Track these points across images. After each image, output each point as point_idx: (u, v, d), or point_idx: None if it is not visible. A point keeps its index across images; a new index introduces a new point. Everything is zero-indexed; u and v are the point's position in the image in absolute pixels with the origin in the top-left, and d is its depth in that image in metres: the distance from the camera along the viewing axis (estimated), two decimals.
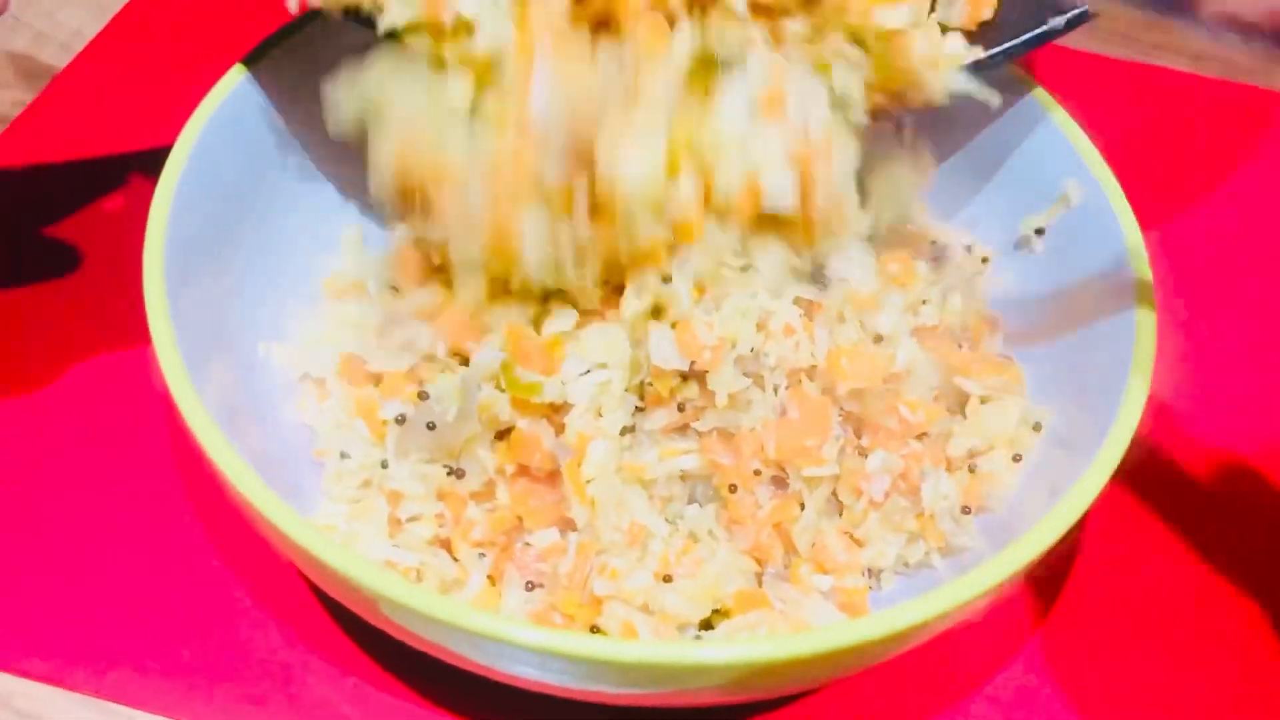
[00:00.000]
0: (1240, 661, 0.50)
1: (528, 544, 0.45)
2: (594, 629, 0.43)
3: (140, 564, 0.49)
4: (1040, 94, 0.53)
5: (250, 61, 0.50)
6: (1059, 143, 0.52)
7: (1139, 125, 0.72)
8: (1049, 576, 0.51)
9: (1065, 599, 0.51)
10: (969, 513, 0.46)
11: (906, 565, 0.47)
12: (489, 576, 0.45)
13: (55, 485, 0.51)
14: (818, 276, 0.48)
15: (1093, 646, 0.49)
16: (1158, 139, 0.71)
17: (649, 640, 0.42)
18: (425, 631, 0.38)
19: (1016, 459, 0.48)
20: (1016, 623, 0.50)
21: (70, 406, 0.54)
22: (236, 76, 0.50)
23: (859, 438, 0.47)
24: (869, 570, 0.46)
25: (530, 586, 0.44)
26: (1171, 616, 0.51)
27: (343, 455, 0.47)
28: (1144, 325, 0.45)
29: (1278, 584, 0.52)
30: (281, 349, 0.50)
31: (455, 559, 0.46)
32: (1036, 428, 0.48)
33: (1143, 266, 0.47)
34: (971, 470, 0.47)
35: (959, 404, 0.50)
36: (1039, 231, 0.53)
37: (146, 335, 0.42)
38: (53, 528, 0.50)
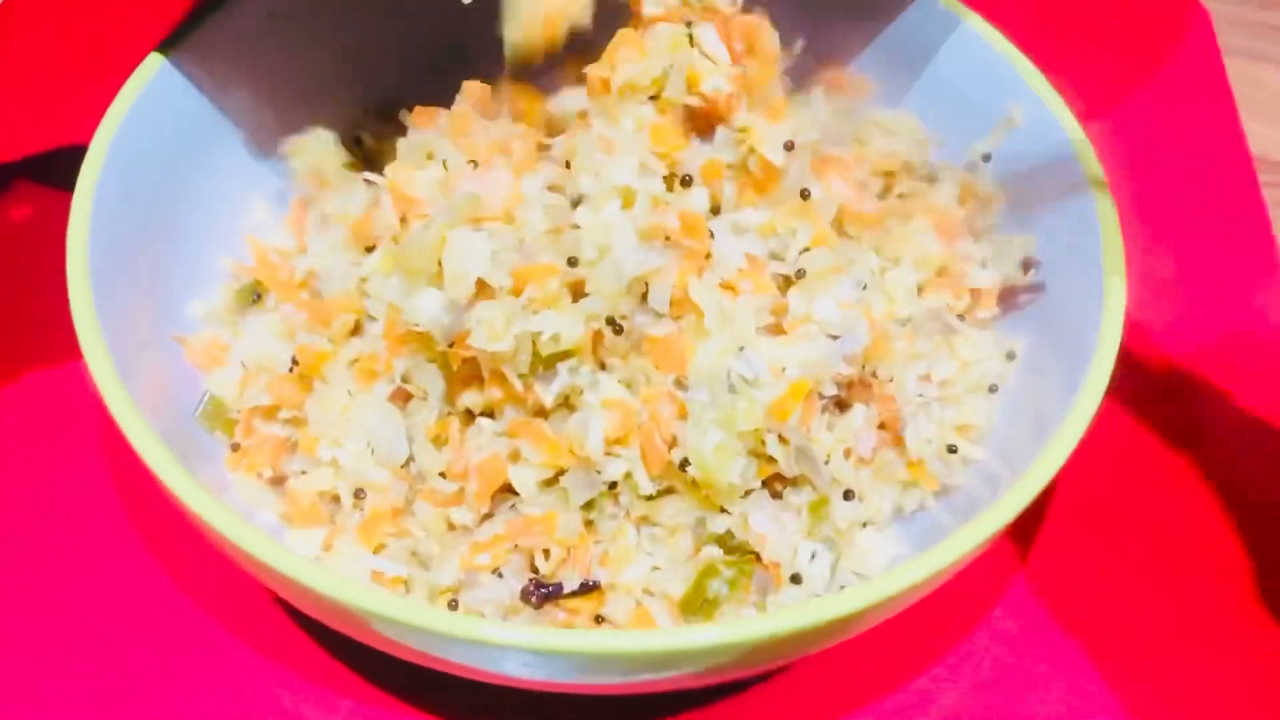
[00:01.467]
0: (1220, 590, 0.50)
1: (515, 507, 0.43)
2: (599, 619, 0.41)
3: (104, 612, 0.46)
4: (977, 21, 0.52)
5: (163, 50, 0.47)
6: (996, 64, 0.51)
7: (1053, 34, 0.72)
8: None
9: (1045, 534, 0.51)
10: (955, 451, 0.45)
11: (901, 511, 0.46)
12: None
13: None
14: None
15: (1075, 584, 0.49)
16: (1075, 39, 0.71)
17: (667, 629, 0.41)
18: (428, 646, 0.36)
19: (993, 390, 0.47)
20: (998, 564, 0.49)
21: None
22: (145, 75, 0.47)
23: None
24: (865, 524, 0.45)
25: (530, 596, 0.42)
26: (1152, 547, 0.51)
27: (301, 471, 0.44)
28: (1110, 249, 0.45)
29: (1256, 509, 0.52)
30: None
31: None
32: (1011, 356, 0.48)
33: (1102, 193, 0.46)
34: (951, 400, 0.47)
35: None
36: (986, 157, 0.52)
37: (73, 354, 0.39)
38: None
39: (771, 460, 0.41)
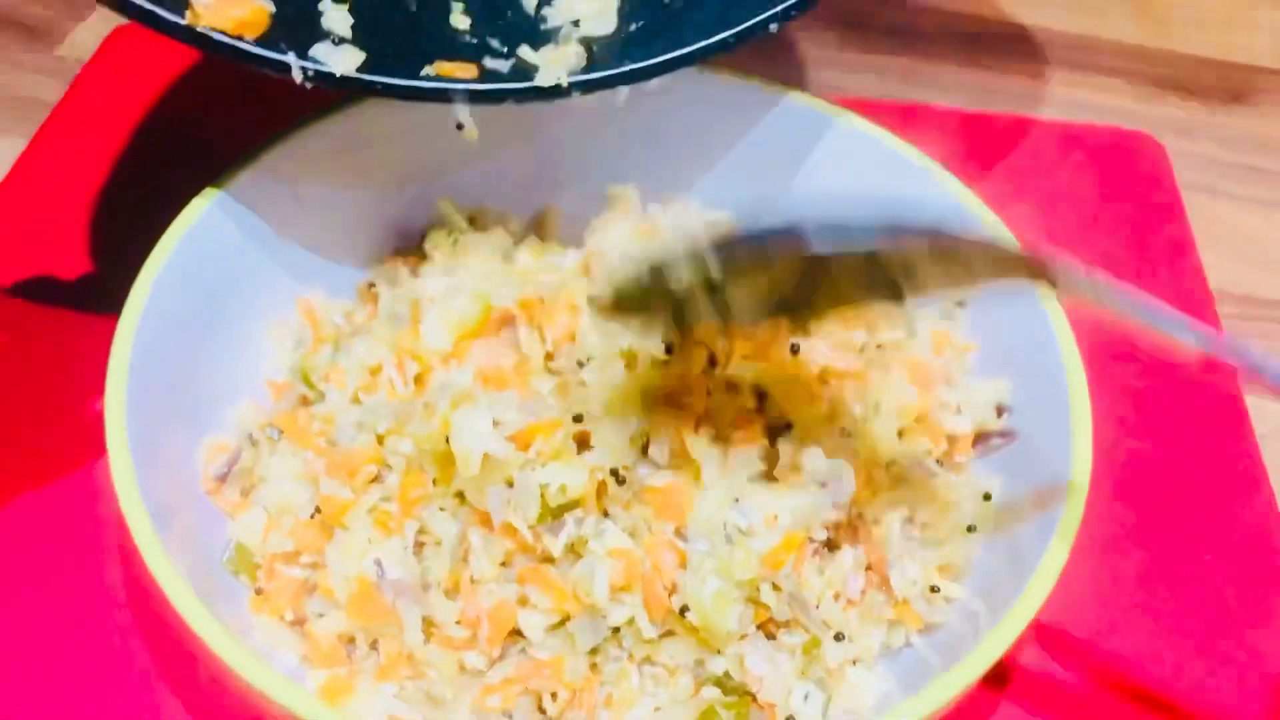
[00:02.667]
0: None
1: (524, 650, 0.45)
2: None
3: None
4: (944, 175, 0.56)
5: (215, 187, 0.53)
6: (967, 218, 0.55)
7: (1019, 171, 0.76)
8: None
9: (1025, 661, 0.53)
10: (937, 591, 0.48)
11: (889, 648, 0.48)
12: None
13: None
14: None
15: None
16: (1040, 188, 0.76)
17: None
18: None
19: (971, 530, 0.50)
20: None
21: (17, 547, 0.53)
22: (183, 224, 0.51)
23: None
24: (854, 661, 0.47)
25: None
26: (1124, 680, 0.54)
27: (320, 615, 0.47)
28: (1077, 391, 0.48)
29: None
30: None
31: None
32: (987, 497, 0.51)
33: (1069, 342, 0.50)
34: (933, 541, 0.50)
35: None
36: (961, 304, 0.56)
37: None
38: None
39: (766, 606, 0.44)
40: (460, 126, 0.52)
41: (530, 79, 0.53)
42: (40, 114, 0.73)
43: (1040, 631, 0.53)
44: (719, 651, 0.44)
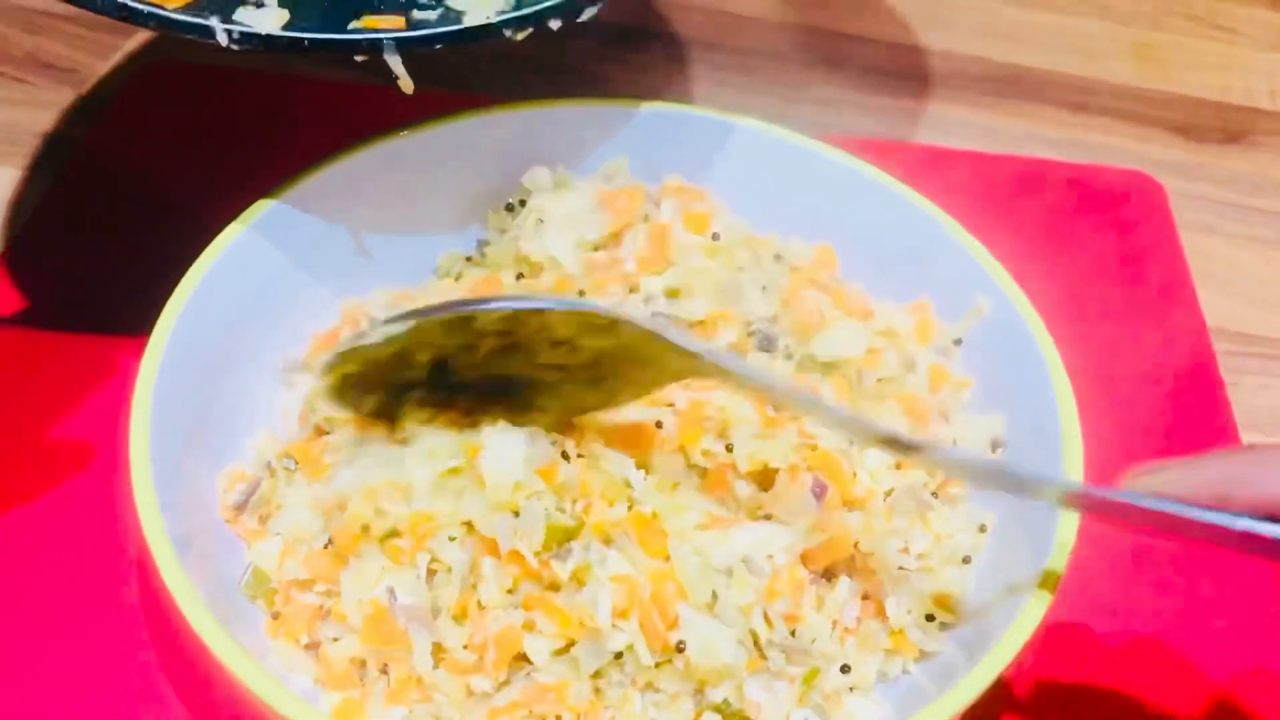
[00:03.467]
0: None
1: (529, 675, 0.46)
2: None
3: None
4: (939, 214, 0.58)
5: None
6: (964, 259, 0.57)
7: (1018, 209, 0.78)
8: None
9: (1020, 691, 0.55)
10: (933, 620, 0.49)
11: (885, 677, 0.50)
12: None
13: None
14: None
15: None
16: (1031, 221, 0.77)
17: None
18: None
19: (966, 561, 0.52)
20: None
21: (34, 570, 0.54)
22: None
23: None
24: (852, 689, 0.49)
25: None
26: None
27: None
28: (1069, 429, 0.50)
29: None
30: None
31: None
32: (982, 529, 0.52)
33: (1059, 373, 0.51)
34: (928, 571, 0.51)
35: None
36: (957, 342, 0.57)
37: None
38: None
39: (762, 649, 0.46)
40: (396, 79, 0.52)
41: (459, 23, 0.53)
42: (67, 152, 0.76)
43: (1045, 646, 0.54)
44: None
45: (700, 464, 0.50)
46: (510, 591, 0.46)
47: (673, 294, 0.55)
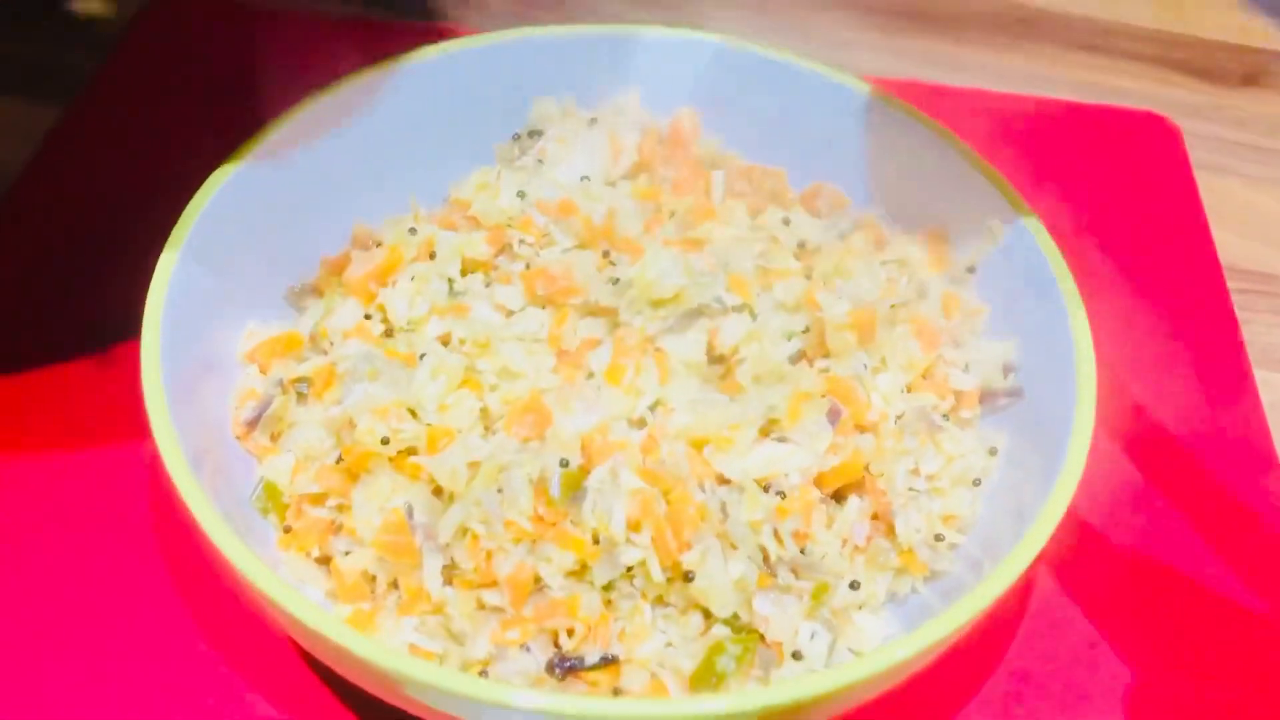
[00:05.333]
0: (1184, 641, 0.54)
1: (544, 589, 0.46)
2: (617, 691, 0.45)
3: (129, 661, 0.50)
4: (953, 140, 0.58)
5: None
6: (980, 184, 0.57)
7: (1034, 151, 0.78)
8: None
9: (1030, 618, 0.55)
10: (942, 539, 0.50)
11: (895, 596, 0.50)
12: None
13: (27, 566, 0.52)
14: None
15: (1057, 668, 0.53)
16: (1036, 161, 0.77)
17: (678, 698, 0.45)
18: (464, 712, 0.40)
19: (976, 483, 0.52)
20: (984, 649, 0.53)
21: (49, 485, 0.55)
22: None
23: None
24: (860, 606, 0.49)
25: (554, 669, 0.46)
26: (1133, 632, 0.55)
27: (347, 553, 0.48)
28: (1083, 352, 0.50)
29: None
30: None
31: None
32: (992, 452, 0.52)
33: (1075, 301, 0.51)
34: (938, 492, 0.51)
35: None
36: (971, 269, 0.57)
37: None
38: (27, 616, 0.51)
39: (772, 571, 0.46)
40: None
41: None
42: (76, 84, 0.75)
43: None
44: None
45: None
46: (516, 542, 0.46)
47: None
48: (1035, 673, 0.52)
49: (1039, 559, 0.44)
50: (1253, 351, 0.67)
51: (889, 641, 0.46)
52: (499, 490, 0.45)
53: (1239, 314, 0.69)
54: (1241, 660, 0.54)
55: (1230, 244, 0.74)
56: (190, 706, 0.49)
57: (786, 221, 0.56)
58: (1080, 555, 0.57)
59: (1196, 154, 0.79)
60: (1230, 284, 0.71)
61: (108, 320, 0.61)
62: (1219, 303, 0.70)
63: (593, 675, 0.45)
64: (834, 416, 0.49)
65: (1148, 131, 0.80)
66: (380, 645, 0.40)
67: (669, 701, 0.43)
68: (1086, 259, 0.58)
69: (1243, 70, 0.87)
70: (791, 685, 0.39)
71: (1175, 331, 0.68)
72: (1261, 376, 0.66)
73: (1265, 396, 0.65)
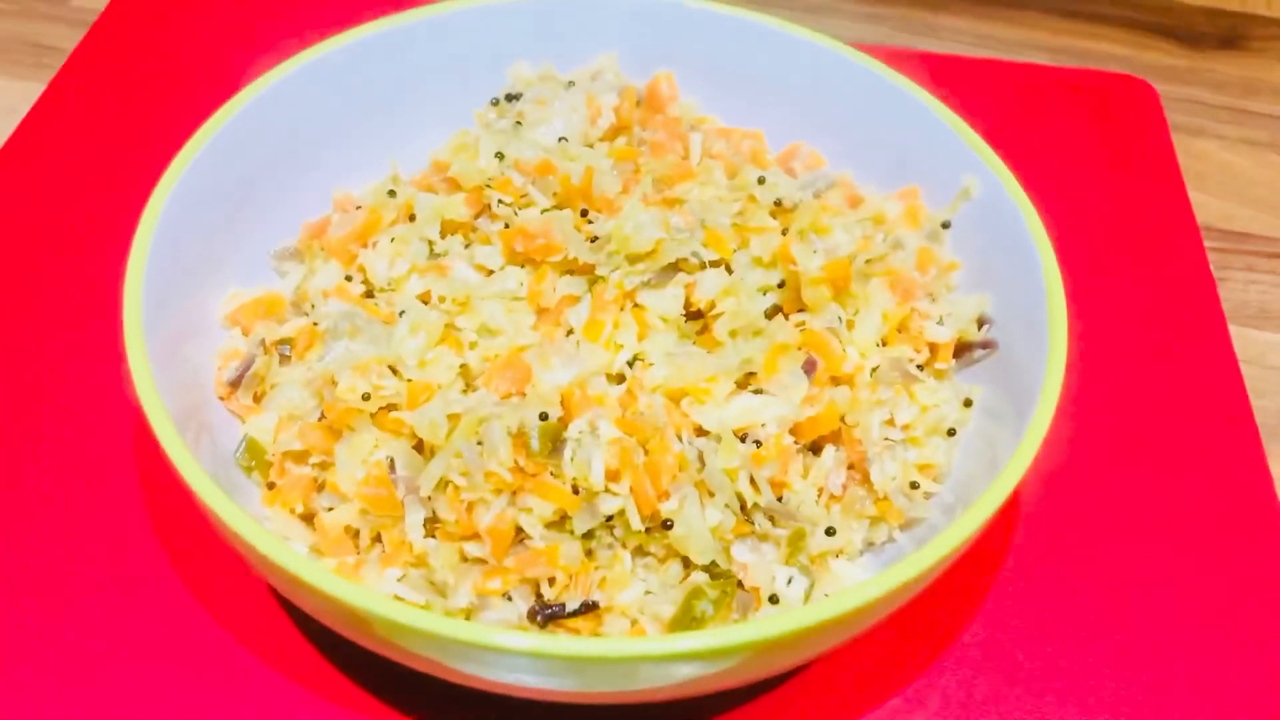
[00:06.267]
0: (1163, 596, 0.55)
1: (525, 540, 0.47)
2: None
3: (121, 620, 0.50)
4: (927, 98, 0.58)
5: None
6: (953, 142, 0.57)
7: (1012, 115, 0.78)
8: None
9: (1006, 563, 0.55)
10: (917, 487, 0.50)
11: (872, 544, 0.50)
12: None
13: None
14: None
15: (1031, 612, 0.54)
16: (1027, 127, 0.77)
17: (657, 636, 0.45)
18: (449, 656, 0.41)
19: (951, 433, 0.52)
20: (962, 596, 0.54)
21: (36, 437, 0.56)
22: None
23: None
24: (838, 553, 0.49)
25: (536, 616, 0.46)
26: (1105, 574, 0.56)
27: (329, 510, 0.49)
28: (1055, 303, 0.50)
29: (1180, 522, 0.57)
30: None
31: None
32: (967, 403, 0.53)
33: (1047, 252, 0.52)
34: (914, 442, 0.52)
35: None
36: (945, 225, 0.58)
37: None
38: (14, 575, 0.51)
39: (750, 519, 0.47)
40: None
41: None
42: (56, 60, 0.76)
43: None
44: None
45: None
46: (497, 493, 0.47)
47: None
48: (1010, 624, 0.53)
49: (1008, 504, 0.45)
50: (1228, 308, 0.68)
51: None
52: (479, 442, 0.46)
53: (1215, 272, 0.70)
54: (1212, 606, 0.55)
55: (1207, 205, 0.75)
56: (177, 661, 0.49)
57: (762, 180, 0.56)
58: (1052, 506, 0.57)
59: (1174, 116, 0.80)
60: (1207, 243, 0.72)
61: (93, 288, 0.62)
62: (1195, 261, 0.70)
63: (574, 623, 0.46)
64: (810, 369, 0.50)
65: (1126, 94, 0.81)
66: (371, 592, 0.40)
67: (647, 639, 0.43)
68: (1064, 220, 0.59)
69: (1220, 33, 0.88)
70: (768, 621, 0.39)
71: (1152, 290, 0.68)
72: (1236, 331, 0.67)
73: (1240, 351, 0.66)
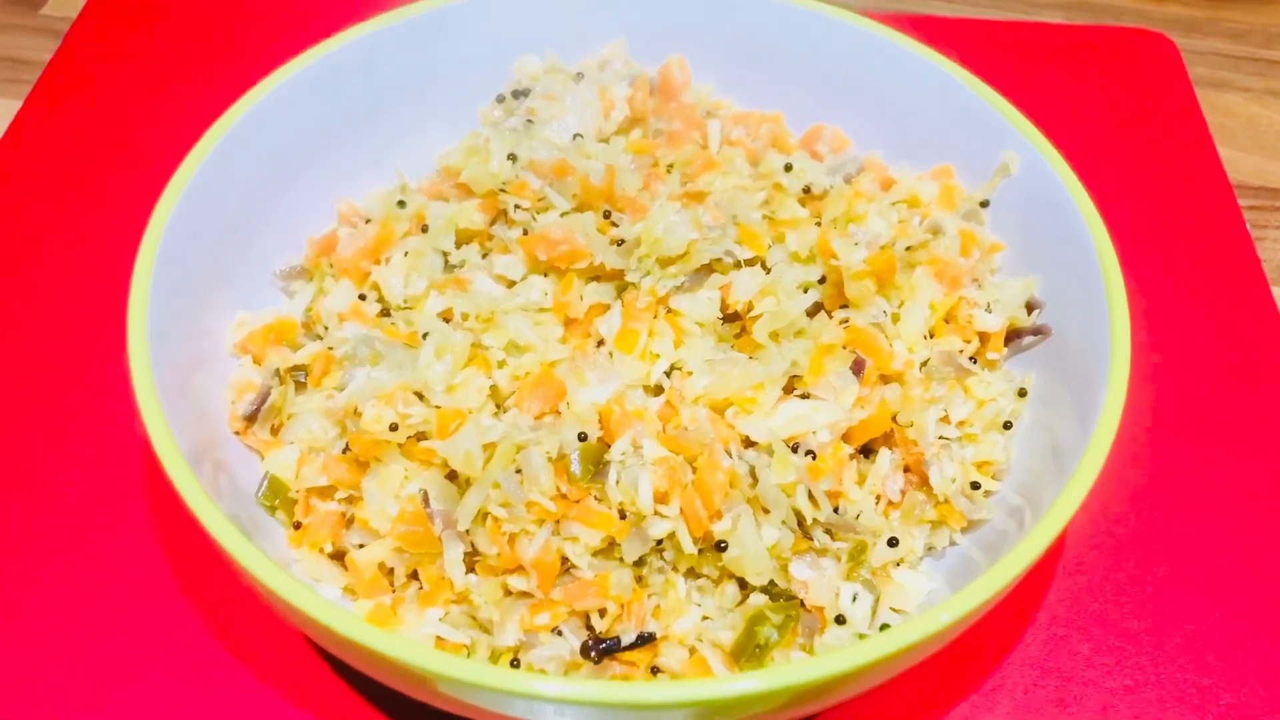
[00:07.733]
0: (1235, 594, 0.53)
1: (571, 570, 0.45)
2: (655, 670, 0.44)
3: (146, 670, 0.48)
4: (954, 68, 0.55)
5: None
6: (985, 113, 0.54)
7: (1027, 77, 0.75)
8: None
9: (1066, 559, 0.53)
10: (978, 488, 0.48)
11: (933, 549, 0.48)
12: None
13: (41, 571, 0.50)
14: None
15: (1093, 608, 0.52)
16: (1050, 87, 0.74)
17: (725, 675, 0.42)
18: (496, 705, 0.38)
19: (1008, 426, 0.50)
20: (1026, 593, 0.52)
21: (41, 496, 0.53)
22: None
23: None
24: (899, 562, 0.47)
25: (589, 651, 0.44)
26: (1170, 563, 0.54)
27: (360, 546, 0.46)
28: (1113, 285, 0.47)
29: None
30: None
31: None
32: (1022, 393, 0.50)
33: (1099, 230, 0.49)
34: (970, 439, 0.49)
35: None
36: (984, 204, 0.55)
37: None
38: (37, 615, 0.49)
39: (808, 535, 0.44)
40: None
41: None
42: (31, 74, 0.72)
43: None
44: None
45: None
46: (540, 523, 0.44)
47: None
48: (1073, 616, 0.51)
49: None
50: (1268, 268, 0.66)
51: (932, 598, 0.44)
52: (517, 471, 0.43)
53: (1251, 231, 0.67)
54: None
55: (1237, 160, 0.73)
56: (208, 707, 0.47)
57: (789, 167, 0.54)
58: (1107, 489, 0.55)
59: (1195, 70, 0.77)
60: (1240, 201, 0.69)
61: (92, 317, 0.59)
62: (1231, 221, 0.68)
63: (630, 655, 0.43)
64: (858, 368, 0.47)
65: (1144, 49, 0.78)
66: (404, 640, 0.37)
67: (714, 681, 0.40)
68: (1088, 187, 0.56)
69: None
70: (841, 654, 0.37)
71: (1188, 254, 0.66)
72: (1279, 294, 0.65)
73: None
